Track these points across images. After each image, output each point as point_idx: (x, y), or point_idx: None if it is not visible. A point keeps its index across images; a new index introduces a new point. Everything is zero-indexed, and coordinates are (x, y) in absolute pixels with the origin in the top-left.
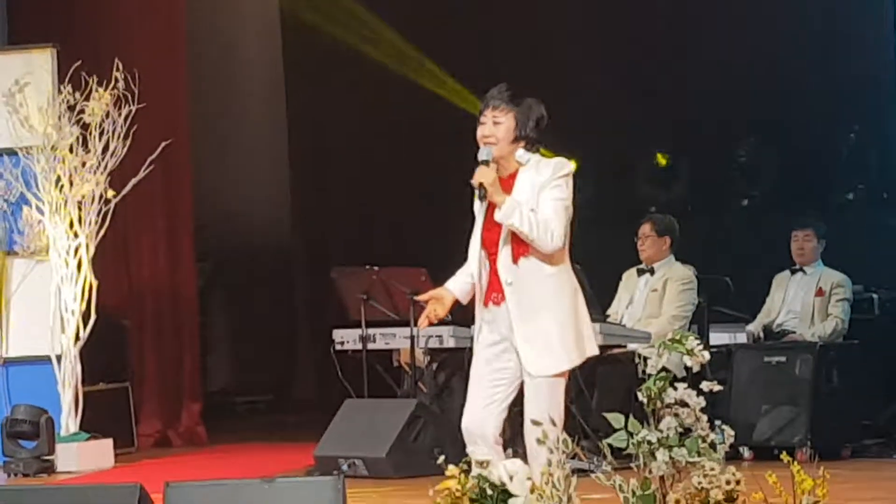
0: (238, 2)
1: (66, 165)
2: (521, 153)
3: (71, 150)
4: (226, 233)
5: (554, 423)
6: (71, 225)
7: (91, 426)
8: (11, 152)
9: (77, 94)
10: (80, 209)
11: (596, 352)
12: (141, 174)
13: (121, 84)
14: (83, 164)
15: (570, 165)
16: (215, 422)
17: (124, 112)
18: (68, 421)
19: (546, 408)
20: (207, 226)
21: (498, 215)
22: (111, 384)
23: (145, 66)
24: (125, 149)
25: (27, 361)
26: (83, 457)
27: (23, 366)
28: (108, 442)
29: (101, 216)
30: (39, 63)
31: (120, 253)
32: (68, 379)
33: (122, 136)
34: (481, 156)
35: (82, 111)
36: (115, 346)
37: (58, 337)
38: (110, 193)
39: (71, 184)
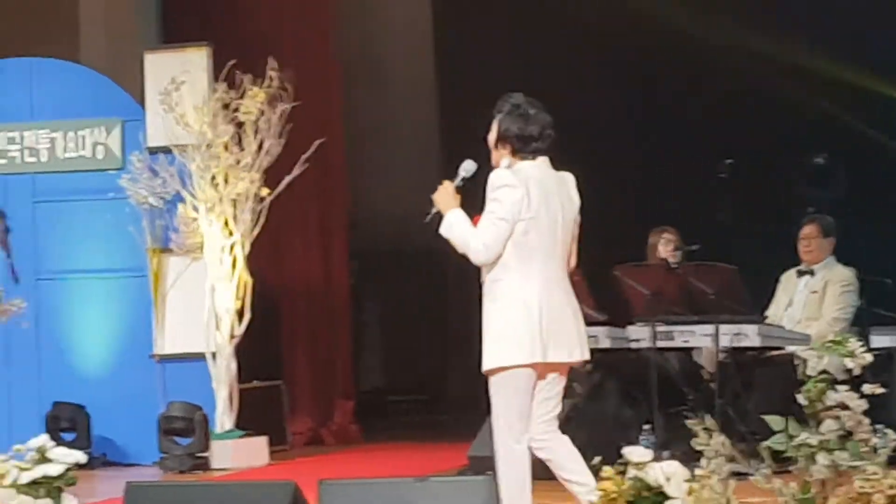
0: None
1: (221, 163)
2: (505, 161)
3: (226, 149)
4: (378, 231)
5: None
6: (226, 223)
7: (245, 424)
8: (167, 150)
9: (232, 93)
10: (234, 207)
11: (517, 361)
12: (295, 172)
13: (275, 82)
14: (238, 163)
15: (503, 179)
16: (368, 420)
17: (279, 110)
18: (223, 418)
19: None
20: (360, 224)
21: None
22: (265, 382)
23: (299, 65)
24: (279, 147)
25: (182, 359)
26: (237, 454)
27: (178, 363)
28: (263, 439)
29: (255, 214)
30: (195, 62)
31: (274, 251)
32: (223, 376)
33: (276, 134)
34: (461, 170)
35: (237, 109)
36: (269, 344)
37: (213, 334)
38: (265, 191)
39: (226, 182)
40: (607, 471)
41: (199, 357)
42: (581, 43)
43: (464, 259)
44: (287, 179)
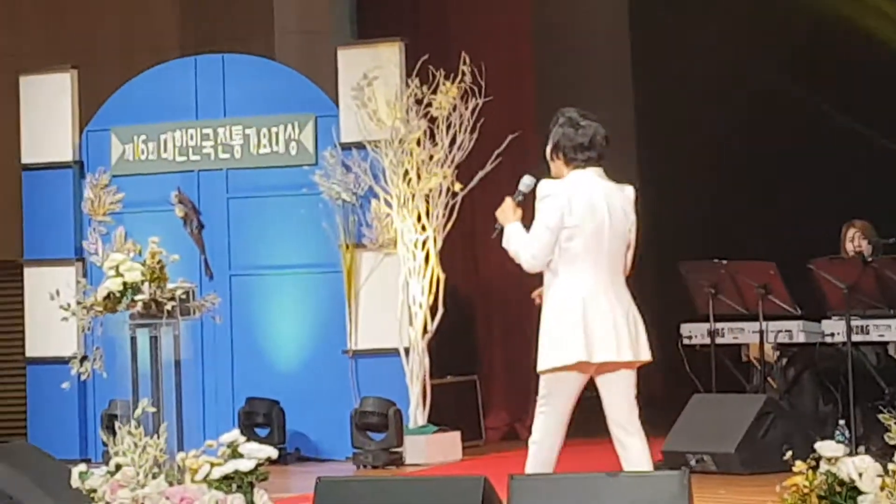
0: None
1: (414, 159)
2: (555, 171)
3: (418, 144)
4: None
5: None
6: (419, 218)
7: (439, 419)
8: (360, 146)
9: (424, 88)
10: (427, 202)
11: (563, 363)
12: (488, 167)
13: (468, 77)
14: (430, 158)
15: (545, 189)
16: None
17: (471, 105)
18: (416, 413)
19: None
20: None
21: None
22: (459, 377)
23: (492, 59)
24: (472, 142)
25: (376, 354)
26: (431, 449)
27: (371, 358)
28: (456, 434)
29: (448, 209)
30: (387, 57)
31: (467, 246)
32: (416, 372)
33: (468, 129)
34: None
35: (430, 105)
36: (462, 340)
37: (406, 330)
38: (457, 186)
39: (418, 177)
40: (799, 465)
41: (393, 352)
42: (771, 35)
43: (660, 253)
44: (480, 174)
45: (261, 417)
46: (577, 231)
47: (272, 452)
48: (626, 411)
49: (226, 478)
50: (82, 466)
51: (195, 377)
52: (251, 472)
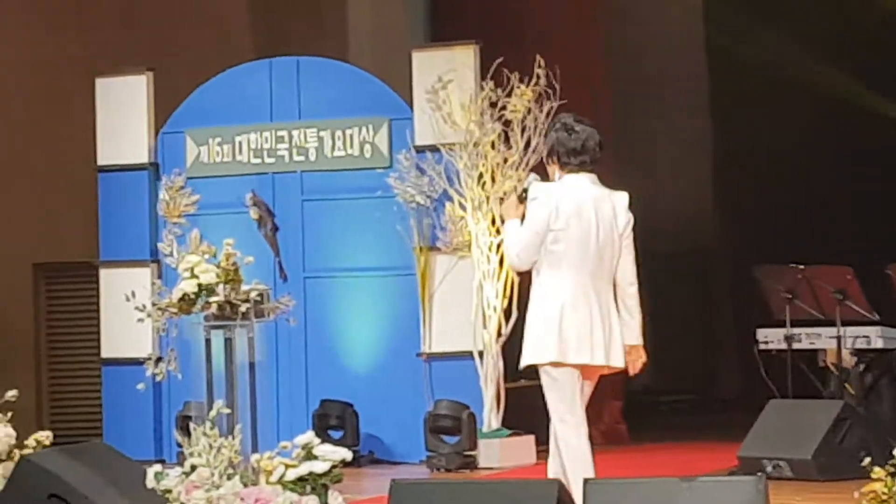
0: None
1: (488, 162)
2: (551, 174)
3: (493, 147)
4: (647, 229)
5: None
6: (493, 221)
7: (512, 422)
8: (434, 149)
9: (499, 91)
10: (501, 205)
11: (540, 360)
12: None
13: (542, 80)
14: (505, 161)
15: (533, 193)
16: (637, 420)
17: (546, 108)
18: (490, 417)
19: None
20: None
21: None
22: (533, 381)
23: (567, 62)
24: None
25: (449, 357)
26: (505, 453)
27: (445, 361)
28: (530, 438)
29: (522, 212)
30: (462, 60)
31: None
32: (490, 375)
33: (543, 132)
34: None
35: (504, 108)
36: None
37: (479, 333)
38: None
39: (493, 180)
40: (877, 472)
41: (467, 355)
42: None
43: (735, 257)
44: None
45: (334, 420)
46: (563, 234)
47: (346, 455)
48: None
49: (300, 479)
50: (157, 467)
51: (269, 379)
52: (325, 474)
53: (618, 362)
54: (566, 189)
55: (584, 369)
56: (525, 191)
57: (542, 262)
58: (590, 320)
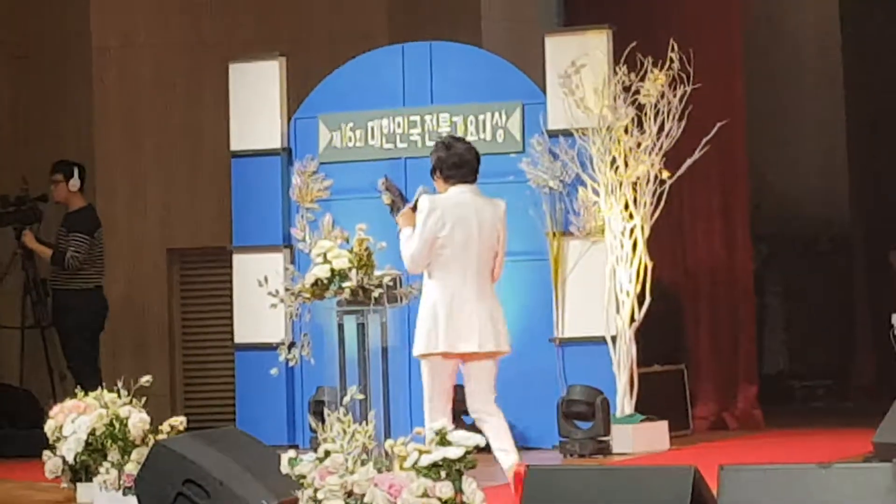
0: None
1: (621, 146)
2: (439, 188)
3: (626, 131)
4: (782, 213)
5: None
6: (626, 206)
7: (646, 408)
8: (567, 133)
9: (632, 75)
10: (634, 190)
11: (430, 350)
12: (696, 155)
13: (675, 64)
14: (638, 146)
15: (422, 204)
16: (771, 405)
17: (679, 92)
18: (623, 402)
19: None
20: (763, 206)
21: None
22: (666, 366)
23: (700, 46)
24: (680, 130)
25: (582, 342)
26: (638, 439)
27: (578, 346)
28: (663, 424)
29: (655, 197)
30: (595, 44)
31: (675, 234)
32: (623, 360)
33: (676, 116)
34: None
35: (637, 92)
36: (670, 328)
37: (612, 318)
38: (665, 174)
39: (626, 165)
40: None
41: (600, 341)
42: None
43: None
44: (688, 162)
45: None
46: (448, 240)
47: (480, 440)
48: (485, 396)
49: (434, 465)
50: (292, 452)
51: (402, 364)
52: (460, 460)
53: (505, 347)
54: (449, 200)
55: (473, 356)
56: (415, 200)
57: (433, 264)
58: (477, 313)
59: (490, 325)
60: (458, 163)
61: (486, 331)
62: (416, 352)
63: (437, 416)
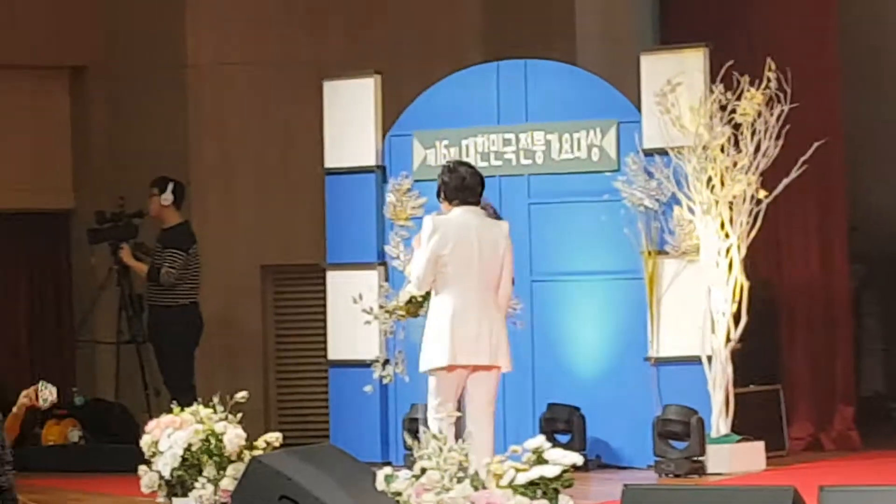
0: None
1: (718, 165)
2: (444, 209)
3: (722, 150)
4: (880, 234)
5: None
6: (722, 225)
7: (741, 428)
8: (663, 152)
9: (729, 94)
10: (730, 209)
11: (434, 365)
12: (793, 174)
13: (773, 83)
14: (734, 165)
15: (425, 224)
16: (869, 427)
17: (776, 112)
18: (719, 422)
19: None
20: (860, 227)
21: None
22: (762, 386)
23: (798, 65)
24: (777, 149)
25: (678, 361)
26: (734, 459)
27: (674, 366)
28: (759, 444)
29: (752, 216)
30: (691, 63)
31: (772, 254)
32: (719, 380)
33: (773, 136)
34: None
35: (734, 111)
36: (766, 348)
37: (708, 338)
38: (762, 194)
39: (722, 184)
40: None
41: (695, 360)
42: None
43: None
44: (785, 181)
45: (562, 424)
46: (450, 258)
47: (577, 459)
48: (482, 408)
49: (531, 483)
50: (388, 469)
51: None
52: (556, 479)
53: (504, 364)
54: (451, 220)
55: (474, 370)
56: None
57: (437, 282)
58: (477, 328)
59: (487, 340)
60: (460, 186)
61: (482, 344)
62: (420, 367)
63: (441, 410)
